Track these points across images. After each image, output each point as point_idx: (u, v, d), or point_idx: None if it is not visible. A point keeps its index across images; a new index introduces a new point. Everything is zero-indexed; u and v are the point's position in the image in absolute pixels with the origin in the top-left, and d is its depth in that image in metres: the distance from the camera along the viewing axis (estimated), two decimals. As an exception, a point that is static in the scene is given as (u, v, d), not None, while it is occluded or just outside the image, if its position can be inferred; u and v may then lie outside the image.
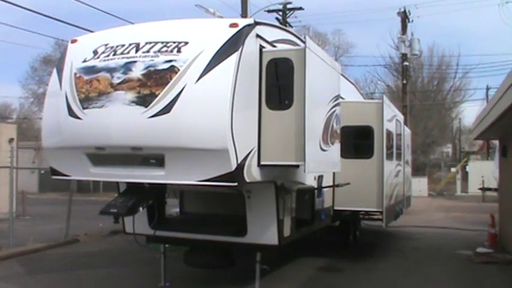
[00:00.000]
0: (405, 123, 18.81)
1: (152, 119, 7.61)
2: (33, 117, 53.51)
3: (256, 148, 8.10)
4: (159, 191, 9.04)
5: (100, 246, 15.34)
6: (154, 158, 7.94)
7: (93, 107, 8.10)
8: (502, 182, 18.24)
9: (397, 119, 15.30)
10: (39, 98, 46.91)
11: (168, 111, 7.54)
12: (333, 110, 9.73)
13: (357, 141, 13.00)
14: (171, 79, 7.64)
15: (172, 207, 11.61)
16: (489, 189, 31.53)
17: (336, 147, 9.99)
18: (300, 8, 35.70)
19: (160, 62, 7.81)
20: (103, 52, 8.41)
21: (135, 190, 8.78)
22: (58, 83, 8.80)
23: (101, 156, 8.33)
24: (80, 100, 8.27)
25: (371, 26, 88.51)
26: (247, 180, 7.88)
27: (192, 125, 7.49)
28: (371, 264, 12.88)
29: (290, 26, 34.43)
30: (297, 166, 8.48)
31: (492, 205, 23.18)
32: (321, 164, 9.31)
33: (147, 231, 9.60)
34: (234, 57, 7.62)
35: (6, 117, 57.83)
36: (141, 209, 8.71)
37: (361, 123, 12.83)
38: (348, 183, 11.69)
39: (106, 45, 8.48)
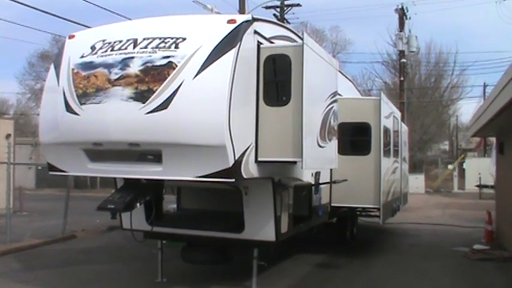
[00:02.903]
0: (402, 120, 18.81)
1: (150, 114, 7.62)
2: (31, 113, 53.51)
3: (253, 144, 8.11)
4: (157, 187, 9.03)
5: (97, 242, 15.33)
6: (152, 154, 7.95)
7: (91, 103, 8.11)
8: (498, 179, 18.27)
9: (394, 116, 15.30)
10: (37, 93, 46.94)
11: (166, 107, 7.55)
12: (330, 106, 9.74)
13: (354, 138, 13.00)
14: (168, 75, 7.65)
15: (170, 203, 11.61)
16: (486, 186, 31.63)
17: (334, 143, 10.01)
18: (298, 5, 35.73)
19: (158, 57, 7.82)
20: (101, 48, 8.41)
21: (132, 186, 8.79)
22: (55, 78, 8.80)
23: (98, 152, 8.34)
24: (77, 96, 8.28)
25: (368, 22, 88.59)
26: (245, 177, 7.89)
27: (190, 121, 7.50)
28: (368, 261, 12.90)
29: (288, 22, 34.38)
30: (294, 162, 8.50)
31: (489, 202, 23.22)
32: (318, 160, 9.32)
33: (145, 227, 9.60)
34: (232, 53, 7.63)
35: (3, 113, 57.73)
36: (138, 205, 8.71)
37: (358, 120, 12.83)
38: (345, 180, 11.70)
39: (104, 41, 8.48)
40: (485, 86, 50.74)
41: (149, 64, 7.82)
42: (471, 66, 67.43)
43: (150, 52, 7.92)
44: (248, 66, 8.02)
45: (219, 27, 7.93)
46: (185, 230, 9.77)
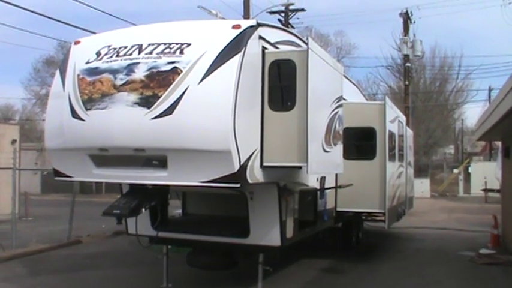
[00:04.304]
0: (407, 124, 18.81)
1: (155, 120, 7.62)
2: (36, 119, 53.68)
3: (258, 149, 8.10)
4: (162, 192, 9.04)
5: (103, 247, 15.35)
6: (157, 159, 7.95)
7: (96, 108, 8.12)
8: (504, 183, 18.21)
9: (399, 120, 15.29)
10: (42, 99, 47.08)
11: (171, 113, 7.56)
12: (335, 111, 9.73)
13: (359, 143, 13.00)
14: (173, 80, 7.66)
15: (175, 209, 11.62)
16: (492, 190, 31.50)
17: (339, 148, 9.99)
18: (302, 10, 35.78)
19: (163, 63, 7.83)
20: (106, 53, 8.42)
21: (138, 191, 8.78)
22: (61, 84, 8.82)
23: (103, 157, 8.35)
24: (82, 101, 8.29)
25: (373, 27, 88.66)
26: (250, 182, 7.89)
27: (195, 126, 7.50)
28: (373, 266, 12.87)
29: (292, 27, 34.44)
30: (300, 167, 8.49)
31: (495, 206, 23.15)
32: (324, 165, 9.30)
33: (150, 233, 9.60)
34: (237, 58, 7.63)
35: (8, 118, 57.98)
36: (143, 210, 8.71)
37: (363, 125, 12.82)
38: (351, 185, 11.69)
39: (109, 46, 8.50)
40: (490, 89, 50.74)
41: (154, 70, 7.83)
42: (476, 70, 67.31)
43: (155, 58, 7.93)
44: (253, 72, 8.03)
45: (223, 33, 7.95)
46: (190, 235, 9.77)
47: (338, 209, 12.68)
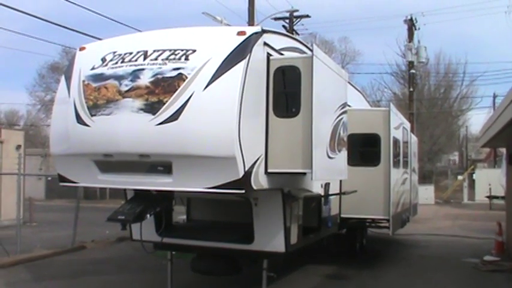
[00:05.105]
0: (412, 130, 18.77)
1: (160, 126, 7.63)
2: (41, 124, 53.77)
3: (263, 156, 8.11)
4: (167, 198, 9.04)
5: (107, 253, 15.37)
6: (162, 165, 7.95)
7: (101, 114, 8.13)
8: (509, 189, 18.17)
9: (403, 127, 15.28)
10: (47, 105, 47.21)
11: (176, 119, 7.57)
12: (340, 117, 9.74)
13: (363, 149, 13.00)
14: (178, 87, 7.67)
15: (179, 214, 11.63)
16: (496, 197, 31.43)
17: (343, 154, 9.99)
18: (307, 16, 35.78)
19: (168, 69, 7.84)
20: (111, 60, 8.45)
21: (142, 197, 8.79)
22: (66, 90, 8.84)
23: (108, 163, 8.36)
24: (88, 107, 8.31)
25: (378, 33, 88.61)
26: (255, 188, 7.89)
27: (200, 133, 7.51)
28: (378, 272, 12.85)
29: (297, 33, 34.46)
30: (304, 174, 8.50)
31: (499, 213, 23.07)
32: (328, 171, 9.30)
33: (154, 238, 9.62)
34: (242, 65, 7.64)
35: (13, 124, 58.15)
36: (148, 216, 8.70)
37: (368, 131, 12.83)
38: (355, 191, 11.68)
39: (114, 52, 8.52)
40: (495, 96, 50.68)
41: (159, 76, 7.85)
42: (481, 76, 67.01)
43: (160, 64, 7.95)
44: (258, 78, 8.04)
45: (228, 39, 7.97)
46: (195, 241, 9.77)
47: (342, 216, 12.69)
